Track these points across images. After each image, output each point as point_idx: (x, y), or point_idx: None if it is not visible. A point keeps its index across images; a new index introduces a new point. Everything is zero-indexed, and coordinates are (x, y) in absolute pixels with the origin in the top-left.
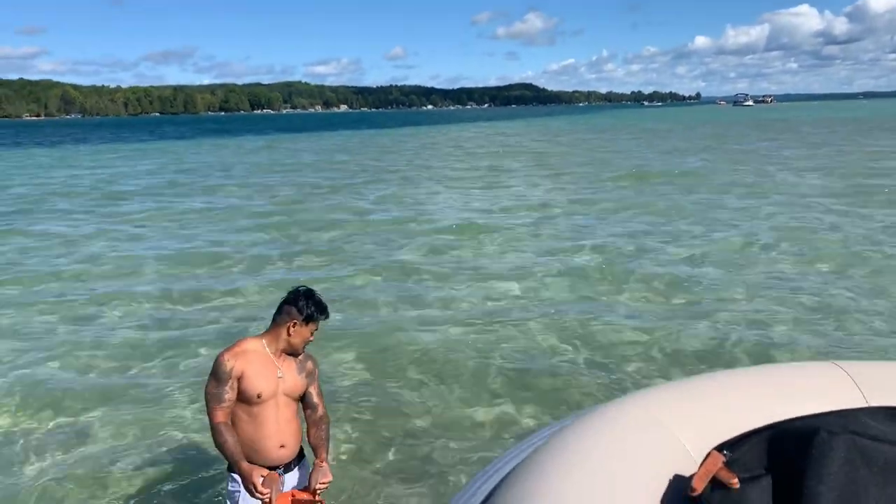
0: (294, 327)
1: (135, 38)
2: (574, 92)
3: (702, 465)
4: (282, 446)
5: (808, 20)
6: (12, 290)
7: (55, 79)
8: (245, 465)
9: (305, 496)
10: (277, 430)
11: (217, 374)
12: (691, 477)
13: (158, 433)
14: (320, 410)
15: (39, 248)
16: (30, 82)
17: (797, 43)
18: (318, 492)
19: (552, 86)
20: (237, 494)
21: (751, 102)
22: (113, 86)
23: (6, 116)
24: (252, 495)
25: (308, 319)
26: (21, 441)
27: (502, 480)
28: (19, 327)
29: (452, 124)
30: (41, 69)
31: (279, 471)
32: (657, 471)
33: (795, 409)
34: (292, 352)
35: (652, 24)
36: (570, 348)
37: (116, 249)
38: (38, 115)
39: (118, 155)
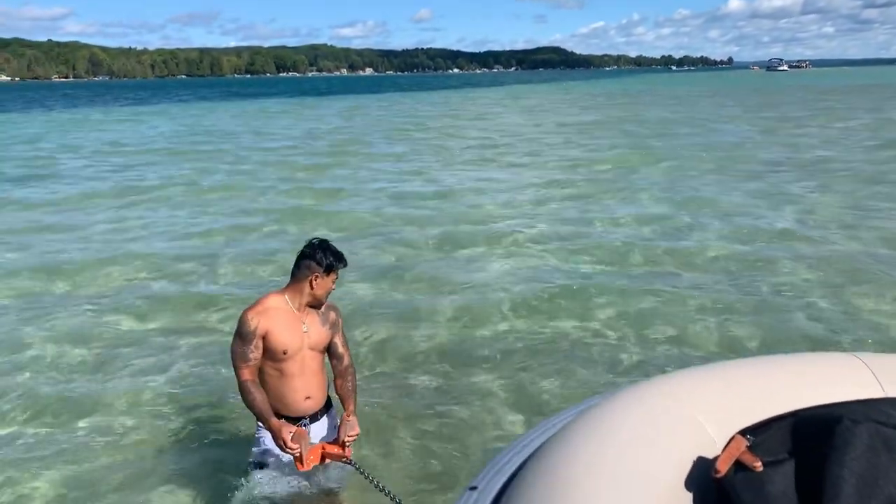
0: (316, 280)
1: (161, 0)
2: (603, 56)
3: (725, 448)
4: (308, 398)
5: None
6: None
7: (83, 41)
8: (274, 421)
9: (335, 449)
10: (304, 382)
11: (242, 333)
12: (715, 459)
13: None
14: (346, 360)
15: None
16: (58, 44)
17: (834, 6)
18: (347, 444)
19: (581, 49)
20: (262, 440)
21: (785, 67)
22: (140, 48)
23: (35, 78)
24: (282, 450)
25: (329, 269)
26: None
27: (530, 457)
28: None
29: (470, 89)
30: (69, 31)
31: (305, 421)
32: (681, 453)
33: (817, 398)
34: (316, 304)
35: None
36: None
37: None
38: (66, 77)
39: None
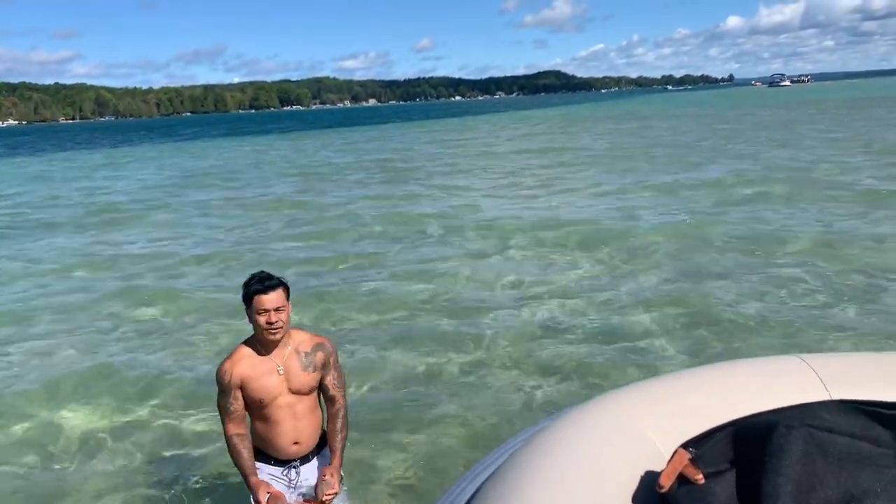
0: (250, 316)
1: (165, 39)
2: (604, 78)
3: (669, 462)
4: (296, 443)
5: None
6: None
7: (89, 82)
8: (253, 480)
9: None
10: (292, 426)
11: (220, 387)
12: (659, 474)
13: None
14: (338, 403)
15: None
16: (64, 86)
17: (833, 19)
18: (326, 502)
19: (581, 72)
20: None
21: (788, 83)
22: (145, 87)
23: (42, 121)
24: None
25: (247, 300)
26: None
27: (481, 486)
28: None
29: (462, 118)
30: (76, 73)
31: (296, 464)
32: (630, 470)
33: (759, 405)
34: (267, 341)
35: (684, 5)
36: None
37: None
38: (72, 119)
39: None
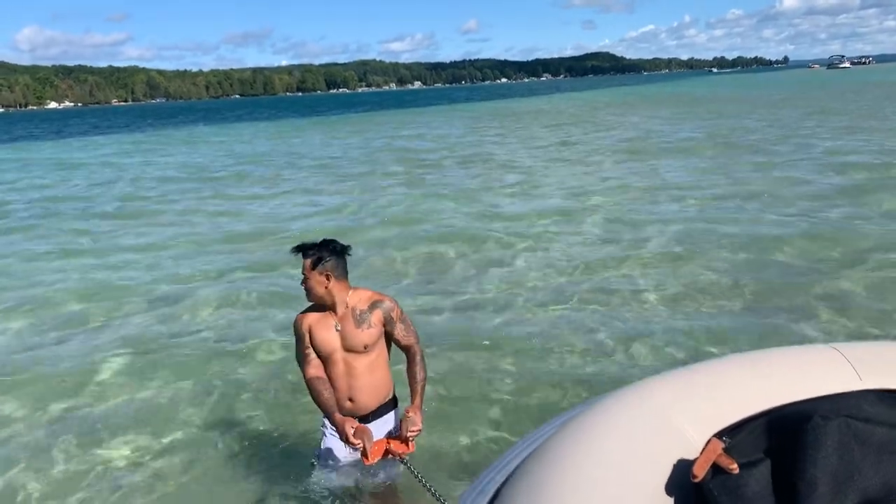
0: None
1: (215, 21)
2: (654, 59)
3: (702, 451)
4: (350, 399)
5: None
6: None
7: (141, 65)
8: (338, 416)
9: (398, 444)
10: (346, 383)
11: (296, 336)
12: (693, 463)
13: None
14: (412, 351)
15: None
16: (117, 69)
17: None
18: (410, 439)
19: (630, 54)
20: (325, 439)
21: (847, 64)
22: (195, 69)
23: (97, 103)
24: (346, 444)
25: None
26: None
27: (512, 474)
28: None
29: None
30: (128, 55)
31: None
32: (661, 459)
33: (793, 394)
34: (319, 302)
35: None
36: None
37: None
38: (125, 101)
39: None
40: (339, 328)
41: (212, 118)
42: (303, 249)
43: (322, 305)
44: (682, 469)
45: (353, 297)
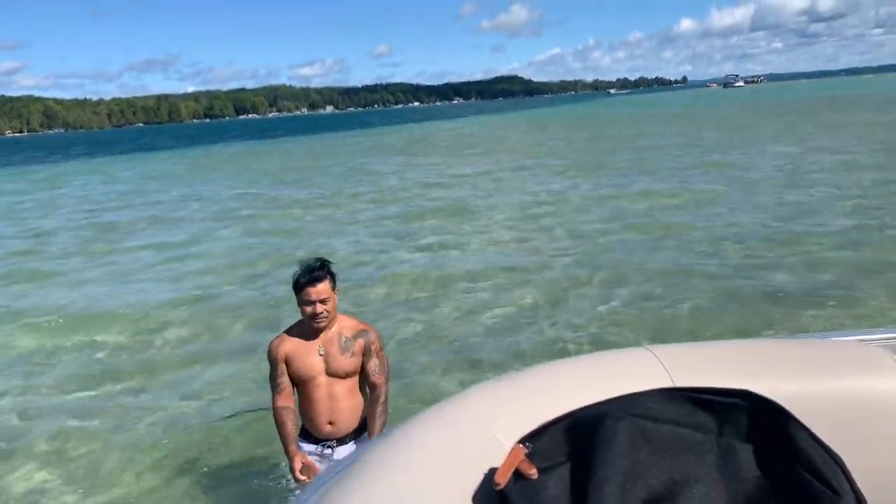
0: (298, 303)
1: (117, 49)
2: (560, 82)
3: (506, 459)
4: (330, 423)
5: None
6: None
7: (37, 94)
8: (291, 449)
9: None
10: (327, 406)
11: (270, 362)
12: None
13: None
14: (378, 389)
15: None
16: (11, 99)
17: (782, 21)
18: None
19: (539, 77)
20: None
21: (741, 83)
22: (96, 98)
23: None
24: (294, 479)
25: (296, 289)
26: None
27: (323, 495)
28: None
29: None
30: (22, 84)
31: (332, 443)
32: (473, 469)
33: (598, 396)
34: (313, 326)
35: (637, 9)
36: None
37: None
38: (20, 132)
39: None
40: (322, 352)
41: (99, 151)
42: (326, 269)
43: (301, 330)
44: (491, 477)
45: (340, 323)
